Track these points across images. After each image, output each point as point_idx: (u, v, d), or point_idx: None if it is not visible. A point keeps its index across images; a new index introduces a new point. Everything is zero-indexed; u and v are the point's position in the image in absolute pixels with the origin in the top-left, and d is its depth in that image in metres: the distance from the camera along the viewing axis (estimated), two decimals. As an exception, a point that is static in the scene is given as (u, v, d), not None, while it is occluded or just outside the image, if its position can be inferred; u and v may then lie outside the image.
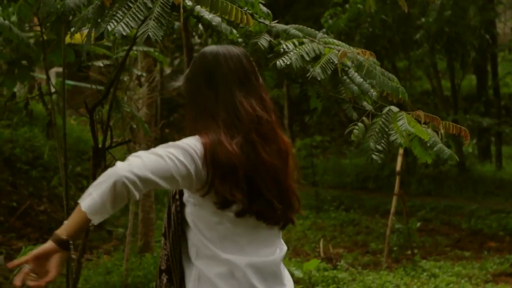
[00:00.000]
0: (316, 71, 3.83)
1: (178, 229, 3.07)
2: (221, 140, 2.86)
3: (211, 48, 3.13)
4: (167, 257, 3.12)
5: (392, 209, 10.24)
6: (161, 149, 2.82)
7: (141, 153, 2.82)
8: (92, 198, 2.77)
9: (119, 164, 2.76)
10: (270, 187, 2.95)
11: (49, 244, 2.76)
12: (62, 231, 2.76)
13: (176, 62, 23.42)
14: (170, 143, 2.88)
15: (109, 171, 2.76)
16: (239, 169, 2.87)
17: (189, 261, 3.05)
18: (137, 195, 2.74)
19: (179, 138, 2.92)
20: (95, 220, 2.77)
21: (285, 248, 3.15)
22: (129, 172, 2.72)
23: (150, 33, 3.38)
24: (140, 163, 2.75)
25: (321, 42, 4.09)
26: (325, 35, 4.31)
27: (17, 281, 2.76)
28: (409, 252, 10.59)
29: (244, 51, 3.15)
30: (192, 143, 2.87)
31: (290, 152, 3.08)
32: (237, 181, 2.87)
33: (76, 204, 2.79)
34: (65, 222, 2.80)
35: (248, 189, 2.90)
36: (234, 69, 3.02)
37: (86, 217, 2.75)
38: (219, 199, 2.88)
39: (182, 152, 2.82)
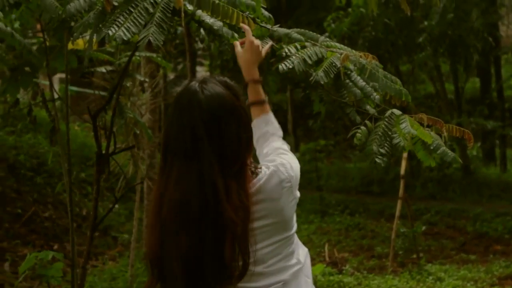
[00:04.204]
0: (319, 74, 3.82)
1: None
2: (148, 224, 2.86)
3: (178, 95, 2.89)
4: None
5: (397, 213, 10.23)
6: None
7: None
8: None
9: None
10: (185, 278, 2.78)
11: None
12: None
13: (180, 67, 23.42)
14: None
15: None
16: (156, 261, 2.83)
17: None
18: None
19: None
20: None
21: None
22: None
23: (151, 38, 3.37)
24: None
25: (323, 46, 4.09)
26: (327, 39, 4.30)
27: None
28: (414, 256, 10.57)
29: (211, 98, 2.83)
30: None
31: (234, 224, 2.73)
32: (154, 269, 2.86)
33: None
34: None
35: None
36: (182, 135, 2.78)
37: None
38: None
39: None
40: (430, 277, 9.57)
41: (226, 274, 2.76)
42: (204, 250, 2.72)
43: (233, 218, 2.71)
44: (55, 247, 10.63)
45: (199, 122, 2.75)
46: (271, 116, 3.27)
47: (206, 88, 2.82)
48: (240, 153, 2.80)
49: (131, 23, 3.48)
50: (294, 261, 2.97)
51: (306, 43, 4.08)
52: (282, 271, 2.93)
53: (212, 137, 2.75)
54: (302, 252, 3.05)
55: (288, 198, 2.90)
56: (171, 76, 23.34)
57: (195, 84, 2.85)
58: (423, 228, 11.37)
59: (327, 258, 11.03)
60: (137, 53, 5.51)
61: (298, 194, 2.97)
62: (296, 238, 3.04)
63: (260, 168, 2.89)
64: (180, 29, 12.44)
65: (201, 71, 25.64)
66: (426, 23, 15.31)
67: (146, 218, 9.99)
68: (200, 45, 19.93)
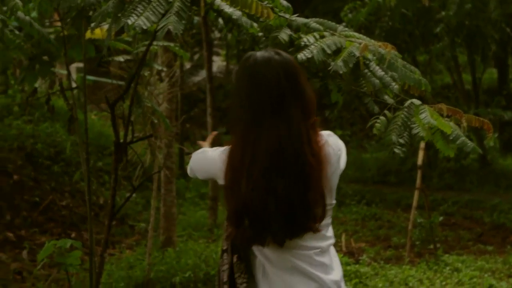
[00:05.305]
0: (338, 64, 3.81)
1: None
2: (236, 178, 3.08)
3: (253, 58, 3.15)
4: (227, 238, 3.31)
5: (414, 203, 10.19)
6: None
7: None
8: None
9: None
10: (280, 219, 3.06)
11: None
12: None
13: (196, 57, 23.43)
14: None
15: None
16: (243, 211, 3.07)
17: (251, 249, 3.25)
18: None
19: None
20: None
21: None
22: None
23: (170, 27, 3.38)
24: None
25: (342, 36, 4.07)
26: (346, 29, 4.29)
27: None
28: (431, 246, 10.54)
29: (287, 59, 3.16)
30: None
31: (315, 172, 3.09)
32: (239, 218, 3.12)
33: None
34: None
35: (254, 222, 3.08)
36: (268, 91, 3.07)
37: None
38: None
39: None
40: (447, 268, 9.53)
41: (311, 217, 3.10)
42: (296, 193, 3.04)
43: (316, 164, 3.08)
44: (73, 235, 10.67)
45: (282, 79, 3.07)
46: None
47: (278, 53, 3.16)
48: (313, 108, 3.16)
49: (151, 12, 3.49)
50: (330, 234, 3.30)
51: (325, 33, 4.07)
52: (322, 238, 3.24)
53: (293, 92, 3.08)
54: None
55: (337, 165, 3.25)
56: (188, 65, 23.34)
57: (265, 52, 3.17)
58: (440, 218, 11.33)
59: (343, 248, 11.02)
60: (155, 43, 5.51)
61: (343, 165, 3.32)
62: None
63: None
64: (196, 18, 12.44)
65: (217, 61, 25.64)
66: (443, 13, 15.21)
67: (164, 207, 10.02)
68: (216, 35, 19.93)
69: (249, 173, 3.02)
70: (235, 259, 3.24)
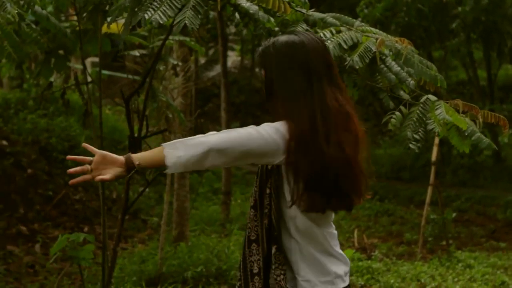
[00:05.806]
0: (354, 59, 3.81)
1: (276, 202, 3.23)
2: (309, 134, 3.10)
3: (294, 36, 3.24)
4: (257, 228, 3.27)
5: (427, 200, 10.17)
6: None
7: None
8: (178, 157, 3.06)
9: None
10: (350, 180, 3.20)
11: (119, 158, 3.22)
12: (137, 157, 3.19)
13: (211, 52, 23.43)
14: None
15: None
16: (321, 168, 3.11)
17: (287, 234, 3.26)
18: None
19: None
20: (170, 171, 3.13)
21: None
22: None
23: (187, 21, 3.38)
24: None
25: (358, 31, 4.07)
26: (363, 24, 4.29)
27: (72, 171, 3.31)
28: (444, 242, 10.53)
29: (322, 39, 3.39)
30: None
31: (363, 140, 3.26)
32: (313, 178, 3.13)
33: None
34: (144, 153, 3.24)
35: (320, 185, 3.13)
36: (322, 60, 3.19)
37: (164, 164, 3.10)
38: None
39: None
40: (460, 264, 9.52)
41: (364, 182, 3.30)
42: (354, 156, 3.19)
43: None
44: (85, 229, 10.69)
45: (326, 51, 3.25)
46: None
47: (312, 34, 3.32)
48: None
49: (167, 7, 3.49)
50: None
51: (341, 28, 4.07)
52: (332, 219, 3.39)
53: (334, 65, 3.26)
54: None
55: None
56: (202, 60, 23.33)
57: (301, 31, 3.31)
58: (453, 215, 11.30)
59: (356, 244, 11.01)
60: (170, 37, 5.52)
61: None
62: None
63: None
64: (212, 13, 12.43)
65: (232, 56, 25.61)
66: (459, 9, 15.17)
67: (177, 202, 10.03)
68: (231, 30, 19.91)
69: (326, 133, 3.09)
70: (274, 250, 3.22)
